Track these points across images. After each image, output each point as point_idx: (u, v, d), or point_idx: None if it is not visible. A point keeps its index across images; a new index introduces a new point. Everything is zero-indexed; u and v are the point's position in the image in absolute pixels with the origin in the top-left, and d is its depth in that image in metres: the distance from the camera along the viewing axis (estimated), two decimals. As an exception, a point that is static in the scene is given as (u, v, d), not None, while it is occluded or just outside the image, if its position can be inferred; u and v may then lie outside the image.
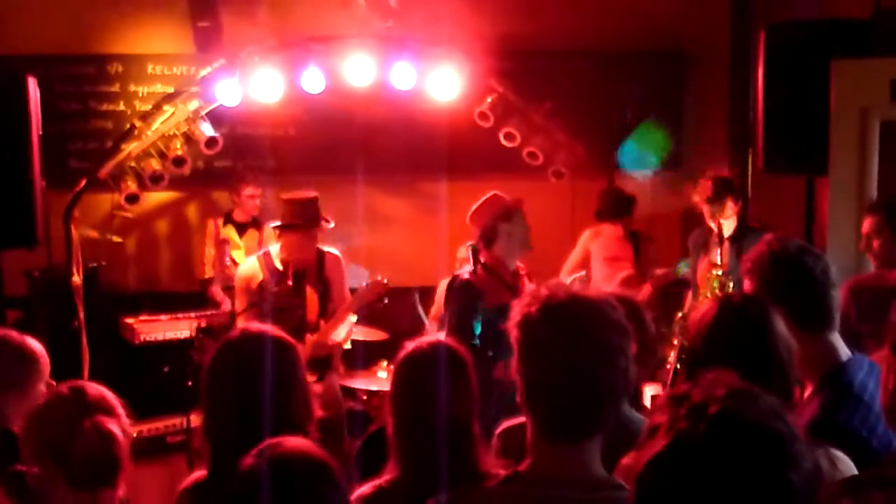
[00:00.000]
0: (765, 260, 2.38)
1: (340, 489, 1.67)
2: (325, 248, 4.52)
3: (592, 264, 5.81)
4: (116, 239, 6.10)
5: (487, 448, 2.31)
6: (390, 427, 2.31)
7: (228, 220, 6.16)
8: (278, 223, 4.40)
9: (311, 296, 4.42)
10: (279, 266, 4.40)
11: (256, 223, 6.14)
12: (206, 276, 6.14)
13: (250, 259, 4.58)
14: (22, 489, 2.07)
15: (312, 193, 4.44)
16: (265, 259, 4.45)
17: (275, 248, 4.48)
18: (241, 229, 6.14)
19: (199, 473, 2.24)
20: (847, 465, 1.98)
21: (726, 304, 2.06)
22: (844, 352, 2.35)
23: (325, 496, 1.63)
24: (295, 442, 1.70)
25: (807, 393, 2.36)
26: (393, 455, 2.27)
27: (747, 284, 2.42)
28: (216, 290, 6.04)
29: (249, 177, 6.18)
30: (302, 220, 4.32)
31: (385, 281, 4.53)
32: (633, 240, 5.80)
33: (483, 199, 4.22)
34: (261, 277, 4.37)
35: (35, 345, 2.68)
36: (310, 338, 4.33)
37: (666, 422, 1.23)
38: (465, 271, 4.16)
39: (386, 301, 4.55)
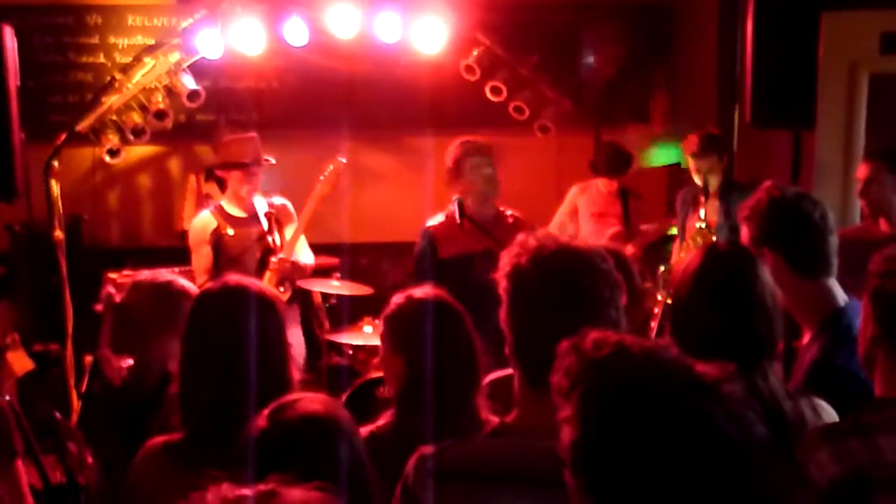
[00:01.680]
0: (763, 206, 2.39)
1: (358, 450, 1.64)
2: (273, 199, 4.62)
3: (580, 220, 5.79)
4: None
5: (484, 397, 2.30)
6: (386, 378, 2.30)
7: (210, 174, 6.09)
8: (225, 164, 4.52)
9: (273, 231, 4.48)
10: (234, 213, 4.50)
11: None
12: (183, 228, 6.07)
13: (203, 212, 4.63)
14: None
15: (252, 134, 4.61)
16: (218, 210, 4.54)
17: (229, 205, 4.56)
18: (223, 184, 6.07)
19: (168, 436, 2.13)
20: (830, 415, 2.00)
21: (711, 252, 2.06)
22: (842, 296, 2.37)
23: (341, 458, 1.59)
24: (309, 403, 1.65)
25: (806, 338, 2.38)
26: (394, 403, 2.27)
27: (745, 231, 2.44)
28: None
29: (230, 133, 6.09)
30: (251, 159, 4.45)
31: (342, 160, 4.58)
32: (621, 196, 5.76)
33: None
34: (214, 225, 4.45)
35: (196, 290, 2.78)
36: (274, 261, 4.38)
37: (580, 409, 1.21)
38: (434, 220, 4.21)
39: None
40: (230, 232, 4.47)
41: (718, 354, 1.90)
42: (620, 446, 1.16)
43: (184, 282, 2.86)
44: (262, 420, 1.60)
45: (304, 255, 4.62)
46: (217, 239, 4.45)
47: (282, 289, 4.38)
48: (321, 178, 4.61)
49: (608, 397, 1.19)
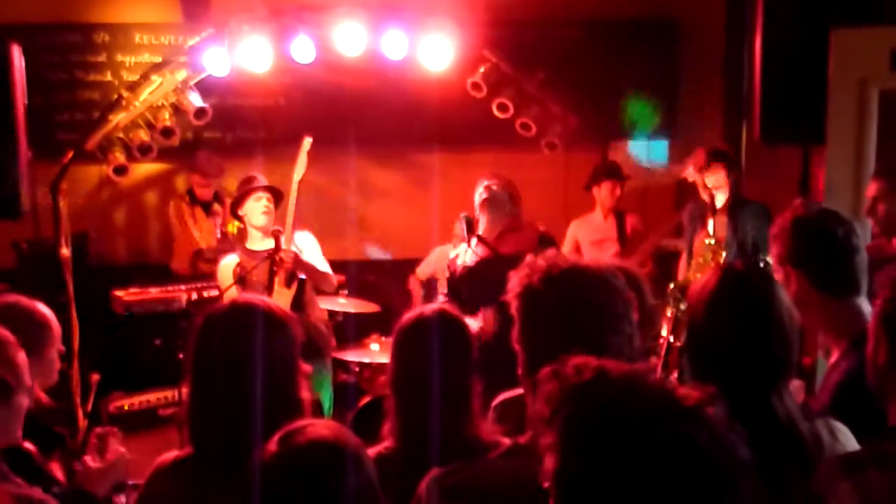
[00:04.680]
0: (787, 224, 2.37)
1: (368, 476, 1.61)
2: (294, 235, 4.66)
3: (582, 251, 5.86)
4: None
5: (485, 417, 2.28)
6: (389, 394, 2.27)
7: (193, 199, 6.09)
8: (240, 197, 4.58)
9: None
10: (256, 249, 4.58)
11: (218, 198, 6.10)
12: (198, 248, 6.06)
13: (230, 256, 4.68)
14: None
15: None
16: (244, 252, 4.62)
17: (252, 242, 4.64)
18: (207, 207, 6.09)
19: (177, 452, 2.13)
20: (847, 437, 1.97)
21: (728, 273, 2.02)
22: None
23: (350, 485, 1.56)
24: (318, 429, 1.62)
25: (834, 357, 2.34)
26: (392, 423, 2.23)
27: (772, 250, 2.41)
28: (178, 267, 6.01)
29: (202, 163, 6.02)
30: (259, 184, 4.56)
31: (309, 139, 4.66)
32: (616, 219, 5.84)
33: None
34: (237, 260, 4.54)
35: (46, 310, 2.69)
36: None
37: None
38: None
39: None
40: (252, 263, 4.52)
41: (735, 375, 1.89)
42: (604, 474, 1.14)
43: (39, 305, 2.71)
44: (271, 445, 1.58)
45: (321, 267, 4.66)
46: (241, 273, 4.50)
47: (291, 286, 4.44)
48: (296, 165, 4.65)
49: (590, 424, 1.17)
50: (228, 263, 4.60)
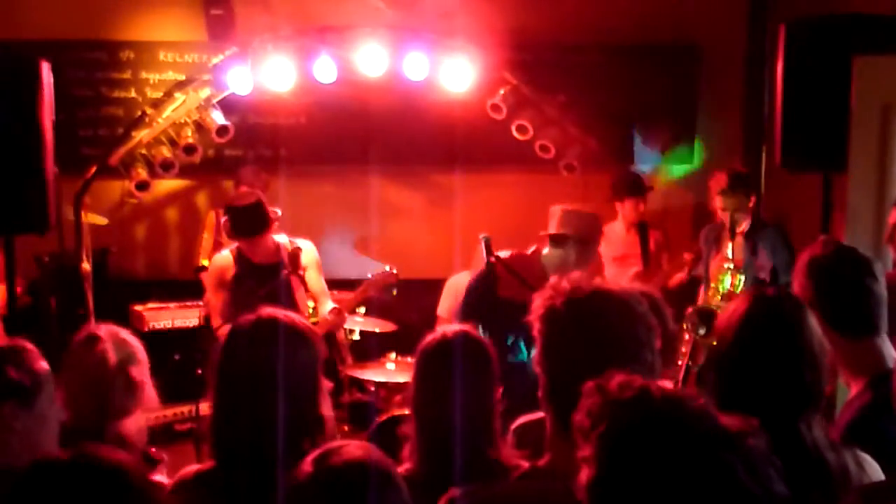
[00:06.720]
0: (804, 262, 2.36)
1: (403, 497, 1.61)
2: (297, 241, 4.59)
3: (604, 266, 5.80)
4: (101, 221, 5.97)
5: (505, 440, 2.28)
6: (409, 418, 2.27)
7: None
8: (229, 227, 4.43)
9: (298, 287, 4.50)
10: (253, 258, 4.44)
11: None
12: (200, 264, 6.10)
13: (223, 252, 4.58)
14: None
15: (253, 198, 4.40)
16: (238, 253, 4.47)
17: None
18: None
19: (200, 466, 2.15)
20: (874, 469, 1.95)
21: (758, 298, 2.00)
22: (891, 356, 2.29)
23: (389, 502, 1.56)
24: (353, 449, 1.62)
25: (851, 394, 2.32)
26: (412, 445, 2.23)
27: (794, 286, 2.40)
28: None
29: (248, 177, 5.94)
30: (249, 227, 4.33)
31: (394, 271, 4.54)
32: (640, 233, 5.78)
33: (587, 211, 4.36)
34: (234, 271, 4.41)
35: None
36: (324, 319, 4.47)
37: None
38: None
39: (395, 293, 4.58)
40: (247, 276, 4.41)
41: (764, 402, 1.88)
42: (637, 490, 1.15)
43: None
44: (306, 466, 1.58)
45: (317, 285, 4.64)
46: (235, 283, 4.40)
47: None
48: (370, 275, 4.73)
49: (628, 440, 1.18)
50: (223, 267, 4.45)
